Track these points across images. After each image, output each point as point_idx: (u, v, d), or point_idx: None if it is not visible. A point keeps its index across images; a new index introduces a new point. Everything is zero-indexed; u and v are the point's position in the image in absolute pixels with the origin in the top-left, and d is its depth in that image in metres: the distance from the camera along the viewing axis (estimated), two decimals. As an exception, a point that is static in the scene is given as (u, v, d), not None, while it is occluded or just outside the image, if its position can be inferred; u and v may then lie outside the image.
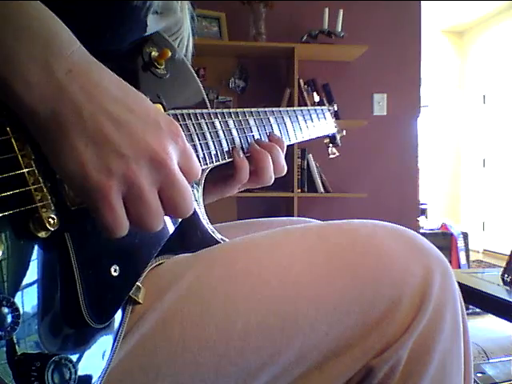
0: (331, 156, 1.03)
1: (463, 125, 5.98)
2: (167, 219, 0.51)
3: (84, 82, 0.35)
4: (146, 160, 0.37)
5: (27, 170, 0.36)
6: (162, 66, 0.53)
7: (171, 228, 0.52)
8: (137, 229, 0.39)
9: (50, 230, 0.37)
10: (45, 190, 0.37)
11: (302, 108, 0.82)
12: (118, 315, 0.44)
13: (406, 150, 3.28)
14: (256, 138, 0.67)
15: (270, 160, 0.64)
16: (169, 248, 0.51)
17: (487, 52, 5.58)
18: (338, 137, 1.00)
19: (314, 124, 0.84)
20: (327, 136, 0.99)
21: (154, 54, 0.53)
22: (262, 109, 0.71)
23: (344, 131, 1.01)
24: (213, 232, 0.59)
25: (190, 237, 0.57)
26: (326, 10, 2.94)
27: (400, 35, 3.24)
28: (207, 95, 0.63)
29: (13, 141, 0.36)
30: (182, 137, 0.40)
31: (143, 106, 0.39)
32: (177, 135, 0.39)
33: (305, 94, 2.94)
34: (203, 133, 0.58)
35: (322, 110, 0.89)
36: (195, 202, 0.57)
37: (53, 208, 0.37)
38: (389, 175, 3.25)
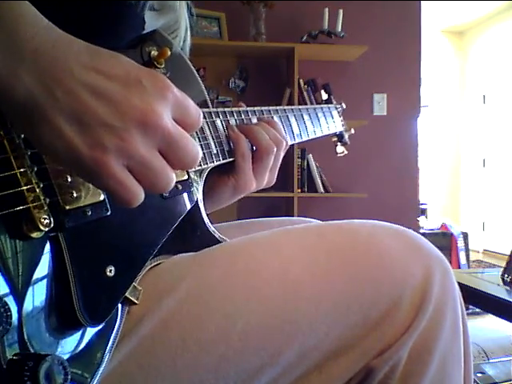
0: (339, 154, 1.03)
1: (463, 125, 5.97)
2: (165, 219, 0.51)
3: (52, 58, 0.33)
4: (136, 126, 0.34)
5: (19, 170, 0.36)
6: (162, 66, 0.53)
7: (169, 227, 0.51)
8: (150, 192, 0.37)
9: (42, 230, 0.36)
10: (37, 190, 0.37)
11: (308, 106, 0.81)
12: (115, 316, 0.44)
13: (406, 149, 3.28)
14: None
15: (264, 132, 0.64)
16: (168, 248, 0.51)
17: (487, 52, 5.58)
18: (346, 135, 0.99)
19: (319, 123, 0.83)
20: (334, 134, 0.98)
21: (154, 53, 0.52)
22: (266, 107, 0.71)
23: (352, 129, 1.00)
24: (213, 232, 0.59)
25: (189, 236, 0.57)
26: (326, 10, 2.94)
27: (400, 35, 3.23)
28: (207, 95, 0.63)
29: (5, 142, 0.36)
30: (171, 88, 0.37)
31: (120, 67, 0.36)
32: (164, 89, 0.36)
33: (305, 93, 2.94)
34: (204, 132, 0.58)
35: (328, 108, 0.88)
36: (198, 199, 0.57)
37: (46, 208, 0.37)
38: (389, 175, 3.24)
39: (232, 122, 0.63)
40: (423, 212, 4.43)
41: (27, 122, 0.33)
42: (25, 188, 0.36)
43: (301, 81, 2.94)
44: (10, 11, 0.33)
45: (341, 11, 2.95)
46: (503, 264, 1.84)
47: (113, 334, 0.44)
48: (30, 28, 0.33)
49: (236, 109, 0.65)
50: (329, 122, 0.87)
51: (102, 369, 0.42)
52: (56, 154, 0.34)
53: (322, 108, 0.85)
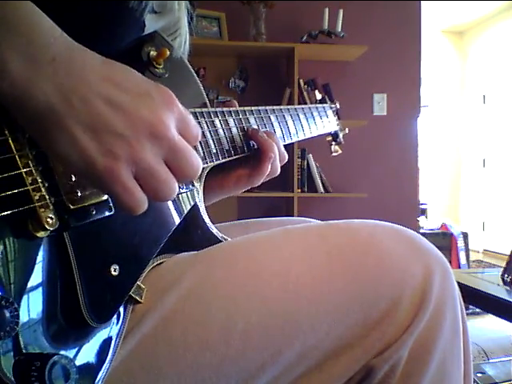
0: (334, 154, 1.03)
1: (463, 125, 5.97)
2: (167, 218, 0.51)
3: (70, 68, 0.35)
4: (146, 136, 0.36)
5: (25, 170, 0.36)
6: (161, 66, 0.53)
7: (171, 227, 0.52)
8: (153, 202, 0.38)
9: (48, 229, 0.36)
10: (43, 189, 0.37)
11: (304, 106, 0.82)
12: (119, 314, 0.44)
13: (406, 150, 3.28)
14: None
15: (277, 149, 0.65)
16: (170, 247, 0.51)
17: (487, 52, 5.58)
18: (340, 134, 1.00)
19: (315, 122, 0.84)
20: (329, 134, 0.98)
21: (153, 53, 0.53)
22: (263, 107, 0.71)
23: (347, 129, 1.00)
24: (214, 231, 0.59)
25: (191, 235, 0.57)
26: (326, 10, 2.94)
27: (400, 35, 3.23)
28: (207, 95, 0.63)
29: (10, 141, 0.36)
30: (176, 103, 0.39)
31: (132, 79, 0.38)
32: (170, 102, 0.38)
33: (305, 93, 2.94)
34: (203, 132, 0.58)
35: (323, 107, 0.88)
36: (197, 199, 0.57)
37: (51, 208, 0.37)
38: (389, 175, 3.24)
39: (230, 121, 0.64)
40: (423, 212, 4.43)
41: (42, 129, 0.34)
42: (30, 187, 0.36)
43: (301, 81, 2.94)
44: (26, 19, 0.34)
45: (341, 11, 2.95)
46: (503, 264, 1.84)
47: (118, 333, 0.44)
48: (47, 36, 0.34)
49: (234, 109, 0.66)
50: (324, 122, 0.87)
51: (107, 368, 0.42)
52: (69, 161, 0.35)
53: (317, 107, 0.86)
